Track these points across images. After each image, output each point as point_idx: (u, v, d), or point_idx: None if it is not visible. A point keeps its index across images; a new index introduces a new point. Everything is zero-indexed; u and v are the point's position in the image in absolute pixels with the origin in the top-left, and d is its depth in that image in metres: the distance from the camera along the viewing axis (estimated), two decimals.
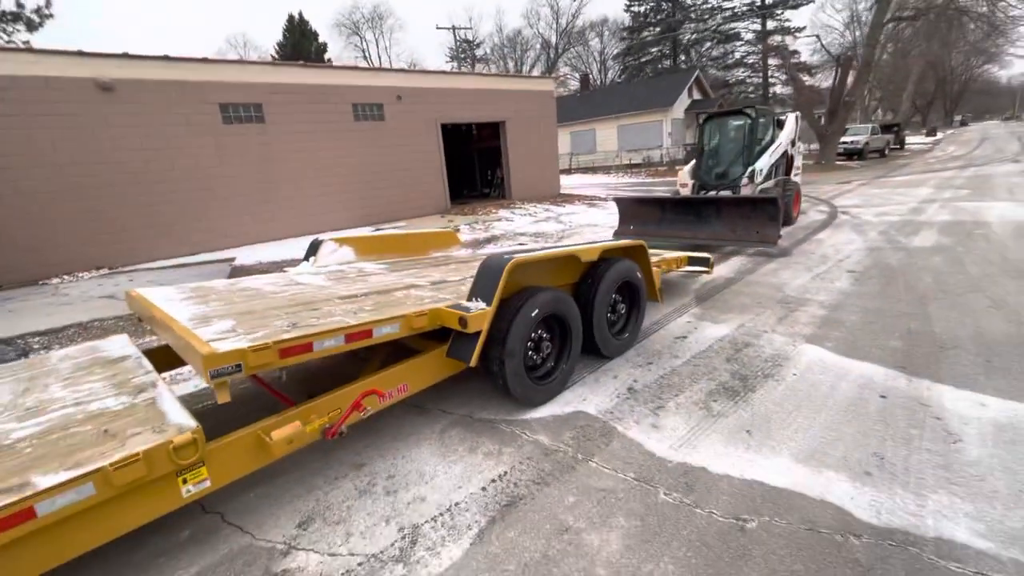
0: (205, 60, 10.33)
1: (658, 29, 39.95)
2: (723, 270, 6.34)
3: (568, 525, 2.22)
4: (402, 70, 15.34)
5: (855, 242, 7.26)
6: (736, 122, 8.61)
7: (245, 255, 9.82)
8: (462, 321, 2.77)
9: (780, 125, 9.30)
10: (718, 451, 2.65)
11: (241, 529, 2.37)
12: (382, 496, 2.53)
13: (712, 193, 8.46)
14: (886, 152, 24.57)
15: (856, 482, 2.33)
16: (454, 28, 33.24)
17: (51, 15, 17.20)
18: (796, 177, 9.47)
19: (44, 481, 1.75)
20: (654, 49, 42.12)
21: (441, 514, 2.37)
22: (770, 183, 8.68)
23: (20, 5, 16.36)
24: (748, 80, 38.78)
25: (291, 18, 44.27)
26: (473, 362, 2.82)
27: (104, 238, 9.34)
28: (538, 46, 55.95)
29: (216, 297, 3.33)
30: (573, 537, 2.15)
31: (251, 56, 49.88)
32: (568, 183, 23.53)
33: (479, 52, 58.37)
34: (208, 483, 2.14)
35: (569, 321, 3.38)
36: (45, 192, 8.73)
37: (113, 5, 60.63)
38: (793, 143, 9.37)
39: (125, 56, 9.31)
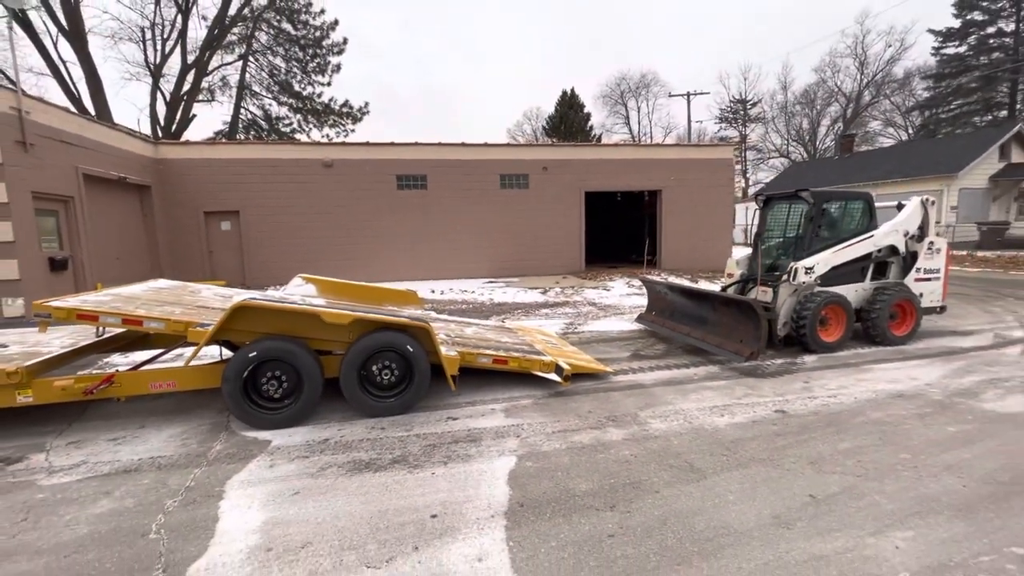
0: (392, 144, 14.15)
1: (977, 74, 30.61)
2: (660, 376, 5.57)
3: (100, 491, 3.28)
4: (550, 144, 17.01)
5: (913, 380, 5.14)
6: (795, 207, 7.01)
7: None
8: (189, 333, 4.11)
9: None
10: (249, 494, 3.19)
11: (55, 437, 4.19)
12: (111, 444, 4.01)
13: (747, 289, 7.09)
14: None
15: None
16: (688, 95, 33.11)
17: (368, 111, 25.51)
18: (924, 282, 6.88)
19: None
20: (971, 99, 32.29)
21: (108, 460, 3.70)
22: (857, 287, 6.70)
23: (351, 107, 24.96)
24: None
25: (564, 93, 51.00)
26: (188, 362, 4.15)
27: (308, 264, 13.68)
28: (840, 100, 49.02)
29: (174, 288, 5.52)
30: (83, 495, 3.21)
31: (537, 125, 59.01)
32: None
33: (755, 111, 55.19)
34: (32, 399, 4.05)
35: (300, 368, 4.24)
36: (279, 230, 13.60)
37: (450, 92, 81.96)
38: (919, 237, 6.91)
39: (342, 144, 13.77)
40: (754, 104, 55.17)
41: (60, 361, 4.51)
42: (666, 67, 76.02)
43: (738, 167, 52.61)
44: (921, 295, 6.81)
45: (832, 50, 63.99)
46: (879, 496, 3.04)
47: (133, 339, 5.53)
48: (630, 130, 59.11)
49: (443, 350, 4.60)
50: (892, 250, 6.86)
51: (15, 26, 13.32)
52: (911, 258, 6.91)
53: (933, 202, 6.91)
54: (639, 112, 58.79)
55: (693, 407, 4.60)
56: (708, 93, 35.07)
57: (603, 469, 3.45)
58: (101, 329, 4.93)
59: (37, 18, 17.16)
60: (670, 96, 38.33)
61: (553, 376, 5.16)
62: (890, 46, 41.85)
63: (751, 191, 48.62)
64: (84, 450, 3.91)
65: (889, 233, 6.70)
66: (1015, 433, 3.88)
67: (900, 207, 7.04)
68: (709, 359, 6.17)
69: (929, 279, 6.92)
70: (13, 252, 8.22)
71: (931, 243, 6.89)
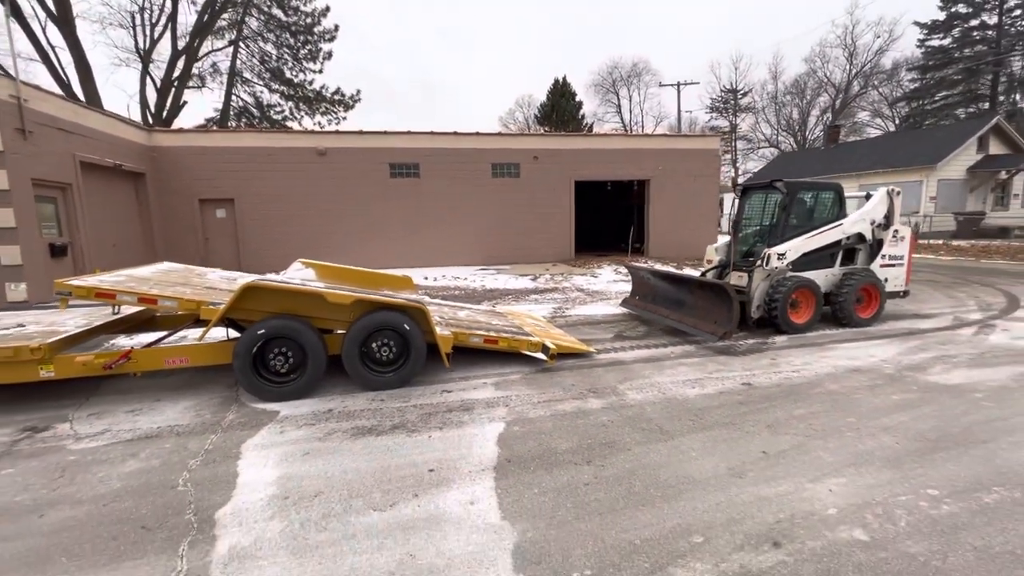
0: (385, 132, 14.34)
1: (960, 66, 31.16)
2: (640, 354, 5.98)
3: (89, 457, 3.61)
4: (541, 134, 17.26)
5: (871, 357, 5.58)
6: (771, 197, 7.40)
7: None
8: (202, 311, 4.42)
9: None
10: (264, 455, 3.55)
11: (75, 409, 4.50)
12: (130, 415, 4.33)
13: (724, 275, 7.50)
14: None
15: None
16: (679, 84, 33.40)
17: (360, 99, 25.52)
18: (889, 268, 7.33)
19: None
20: (955, 91, 32.90)
21: (129, 429, 4.03)
22: (827, 272, 7.12)
23: (343, 94, 24.95)
24: None
25: (556, 81, 50.82)
26: (200, 339, 4.48)
27: (302, 251, 13.89)
28: (830, 91, 49.34)
29: (180, 270, 5.81)
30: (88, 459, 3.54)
31: (529, 113, 59.03)
32: None
33: (745, 101, 55.52)
34: (53, 373, 4.35)
35: (304, 345, 4.57)
36: (273, 217, 13.80)
37: (443, 81, 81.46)
38: (885, 225, 7.34)
39: (336, 132, 13.92)
40: (744, 94, 55.48)
41: (76, 340, 4.80)
42: (658, 56, 76.26)
43: (728, 157, 53.08)
44: (886, 280, 7.27)
45: (822, 40, 64.45)
46: (822, 452, 3.46)
47: (139, 322, 5.82)
48: (621, 119, 59.17)
49: (438, 330, 4.96)
50: (860, 237, 7.28)
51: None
52: (877, 245, 7.34)
53: (899, 192, 7.33)
54: (630, 101, 58.80)
55: (668, 380, 5.01)
56: (698, 83, 35.71)
57: (582, 432, 3.84)
58: (117, 308, 5.22)
59: (25, 2, 16.99)
60: (661, 86, 38.45)
61: (540, 355, 5.54)
62: (879, 37, 42.43)
63: (741, 180, 49.11)
64: (105, 420, 4.23)
65: (857, 222, 7.12)
66: (951, 401, 4.34)
67: (868, 197, 7.46)
68: (686, 339, 6.58)
69: (893, 265, 7.37)
70: (15, 238, 8.42)
71: (896, 231, 7.32)
